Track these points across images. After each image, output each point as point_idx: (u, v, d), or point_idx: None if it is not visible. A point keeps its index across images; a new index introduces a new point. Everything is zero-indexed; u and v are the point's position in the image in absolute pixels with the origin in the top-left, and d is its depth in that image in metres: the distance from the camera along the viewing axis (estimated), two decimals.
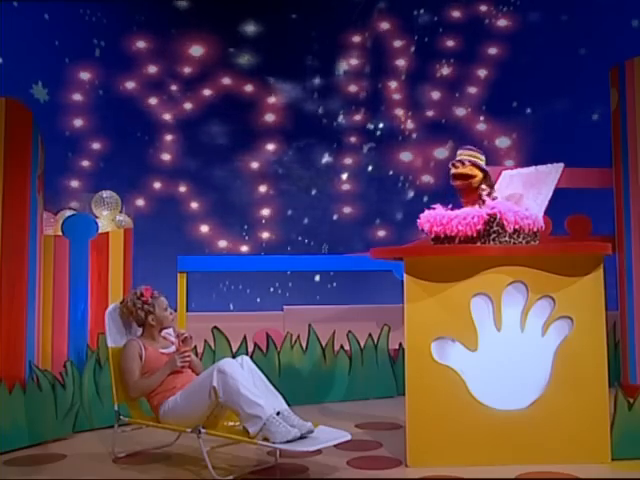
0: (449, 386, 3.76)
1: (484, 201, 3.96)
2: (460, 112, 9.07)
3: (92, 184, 7.94)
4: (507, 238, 3.82)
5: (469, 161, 4.00)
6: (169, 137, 8.98)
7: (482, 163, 4.05)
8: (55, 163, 6.11)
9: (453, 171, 4.04)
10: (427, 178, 8.97)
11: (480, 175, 4.01)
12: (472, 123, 9.04)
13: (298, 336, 5.70)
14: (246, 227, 8.92)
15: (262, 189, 9.02)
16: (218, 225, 8.87)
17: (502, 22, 9.06)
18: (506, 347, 3.80)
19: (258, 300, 8.47)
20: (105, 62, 8.81)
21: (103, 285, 5.29)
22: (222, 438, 3.76)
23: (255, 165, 9.01)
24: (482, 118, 9.04)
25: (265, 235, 8.95)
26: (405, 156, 9.08)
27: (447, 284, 3.81)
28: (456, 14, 9.08)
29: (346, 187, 8.97)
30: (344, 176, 8.98)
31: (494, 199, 3.98)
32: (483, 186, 4.00)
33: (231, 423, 3.82)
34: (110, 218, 6.04)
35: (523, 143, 8.80)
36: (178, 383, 3.86)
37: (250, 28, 9.04)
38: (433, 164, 8.93)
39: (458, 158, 4.05)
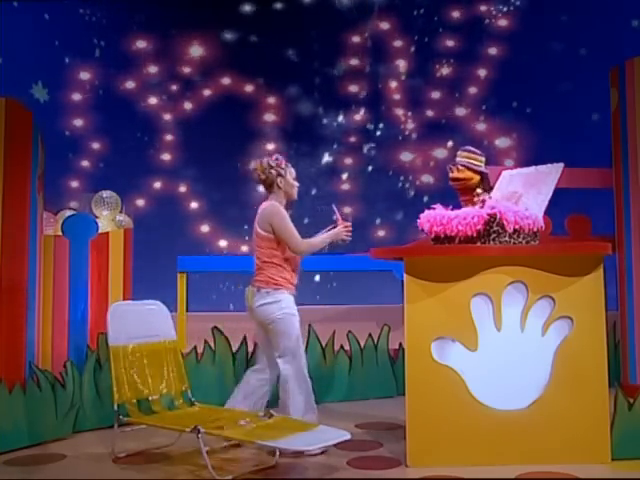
0: (449, 386, 3.75)
1: (483, 202, 3.98)
2: (460, 112, 9.07)
3: (92, 184, 7.95)
4: (507, 238, 3.82)
5: (462, 165, 4.11)
6: (169, 137, 8.98)
7: (479, 164, 4.13)
8: (55, 163, 6.11)
9: (450, 175, 4.16)
10: (427, 178, 8.97)
11: (476, 177, 4.10)
12: (472, 123, 9.05)
13: None
14: (246, 227, 8.90)
15: (262, 189, 9.00)
16: (218, 225, 8.87)
17: (502, 22, 9.07)
18: (506, 347, 3.80)
19: None
20: (105, 62, 8.83)
21: (103, 285, 5.28)
22: (222, 438, 3.77)
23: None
24: (482, 118, 9.04)
25: None
26: (405, 156, 9.09)
27: (447, 284, 3.81)
28: (456, 14, 9.09)
29: (346, 187, 8.98)
30: (344, 176, 8.99)
31: (484, 202, 4.01)
32: (478, 190, 4.07)
33: (247, 419, 3.83)
34: (110, 218, 6.05)
35: (523, 143, 8.81)
36: None
37: (250, 28, 9.04)
38: (433, 164, 8.94)
39: (455, 161, 4.16)
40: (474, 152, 4.16)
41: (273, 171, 4.20)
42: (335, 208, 4.06)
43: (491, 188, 4.17)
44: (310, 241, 4.20)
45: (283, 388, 4.12)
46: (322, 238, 4.21)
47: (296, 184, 4.29)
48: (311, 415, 4.08)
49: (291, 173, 4.26)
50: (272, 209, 4.17)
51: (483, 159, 4.16)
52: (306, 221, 8.81)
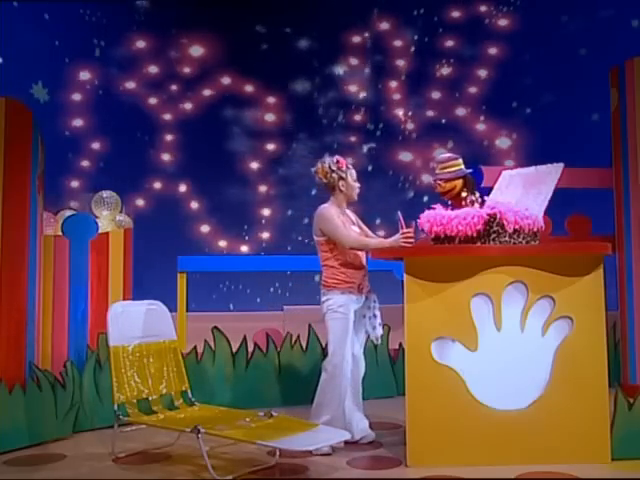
0: (449, 386, 3.76)
1: (472, 203, 4.00)
2: (460, 112, 9.07)
3: (92, 184, 7.94)
4: (507, 238, 3.82)
5: (440, 179, 4.27)
6: (169, 137, 8.98)
7: (455, 169, 4.25)
8: (55, 163, 6.11)
9: (436, 190, 4.33)
10: (427, 178, 8.96)
11: (458, 183, 4.24)
12: (472, 123, 9.04)
13: (298, 336, 5.69)
14: (246, 227, 8.92)
15: (262, 189, 9.02)
16: (218, 225, 8.87)
17: (502, 22, 9.07)
18: (506, 347, 3.80)
19: (258, 300, 8.47)
20: (105, 62, 8.82)
21: (103, 285, 5.28)
22: (222, 438, 3.76)
23: (255, 165, 9.01)
24: (482, 118, 9.04)
25: (265, 235, 8.95)
26: (405, 156, 9.09)
27: (447, 284, 3.81)
28: (456, 14, 9.09)
29: None
30: None
31: (473, 202, 4.02)
32: (463, 194, 4.15)
33: (247, 419, 3.83)
34: (110, 218, 6.04)
35: (523, 143, 8.81)
36: None
37: (250, 28, 9.04)
38: (433, 164, 8.93)
39: (435, 176, 4.32)
40: (446, 160, 4.31)
41: (335, 175, 4.23)
42: (400, 216, 4.09)
43: (474, 187, 4.24)
44: (362, 239, 4.25)
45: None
46: (380, 240, 4.24)
47: (357, 185, 4.32)
48: (324, 418, 4.03)
49: (352, 175, 4.29)
50: (320, 213, 4.24)
51: (459, 161, 4.29)
52: (305, 221, 8.82)
